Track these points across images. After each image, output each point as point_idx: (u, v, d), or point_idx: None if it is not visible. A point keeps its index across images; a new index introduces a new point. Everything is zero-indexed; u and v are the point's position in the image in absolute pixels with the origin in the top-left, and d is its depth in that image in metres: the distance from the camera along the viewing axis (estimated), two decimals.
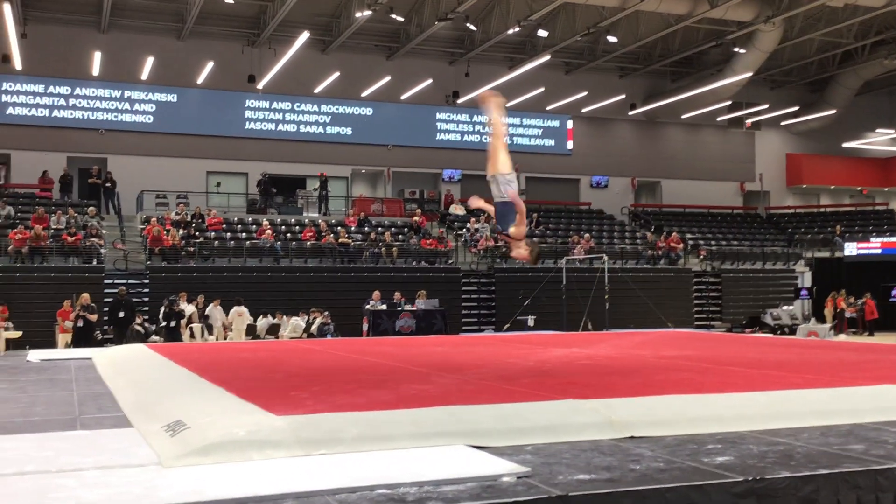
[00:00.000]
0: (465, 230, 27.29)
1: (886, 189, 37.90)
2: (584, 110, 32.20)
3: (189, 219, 24.43)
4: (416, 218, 27.31)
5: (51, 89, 26.77)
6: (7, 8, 22.08)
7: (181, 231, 23.34)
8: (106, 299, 20.06)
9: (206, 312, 20.11)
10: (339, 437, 4.71)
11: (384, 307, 21.07)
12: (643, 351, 10.52)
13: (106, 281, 21.15)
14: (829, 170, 37.07)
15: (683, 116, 33.31)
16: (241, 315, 20.12)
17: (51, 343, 18.37)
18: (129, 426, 5.73)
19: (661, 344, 11.91)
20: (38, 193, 25.78)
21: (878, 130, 36.95)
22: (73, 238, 21.70)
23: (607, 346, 11.41)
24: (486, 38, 28.42)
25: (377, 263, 24.19)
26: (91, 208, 24.08)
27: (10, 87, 26.35)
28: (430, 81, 29.26)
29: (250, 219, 26.30)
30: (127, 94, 27.48)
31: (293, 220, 26.71)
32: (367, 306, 20.95)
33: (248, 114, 28.94)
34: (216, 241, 23.81)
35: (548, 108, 31.72)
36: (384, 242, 24.95)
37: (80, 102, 27.09)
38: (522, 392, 6.14)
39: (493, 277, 25.32)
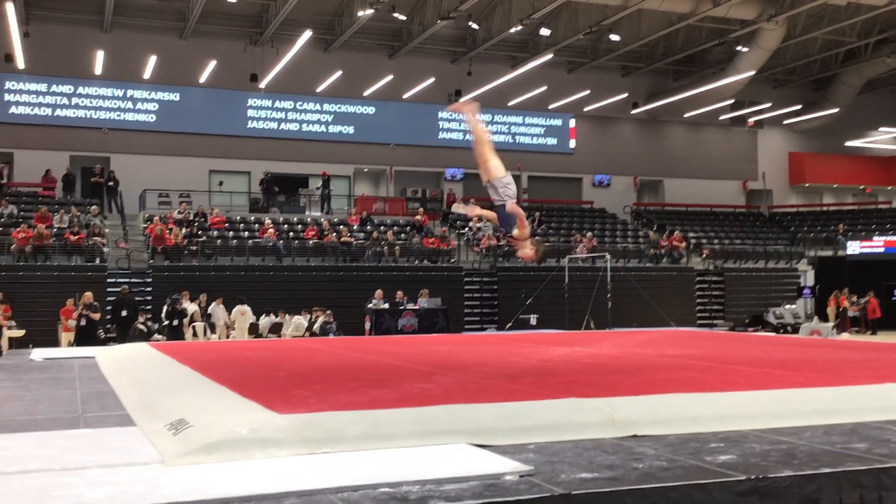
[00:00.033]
0: (467, 229, 27.29)
1: (889, 188, 37.87)
2: (586, 109, 32.18)
3: (192, 218, 24.46)
4: (418, 217, 27.31)
5: (54, 88, 26.81)
6: (10, 7, 22.11)
7: (184, 230, 23.36)
8: (109, 298, 20.08)
9: (208, 311, 20.13)
10: (342, 435, 4.71)
11: (386, 306, 21.09)
12: (646, 350, 10.50)
13: (109, 280, 21.19)
14: (831, 168, 37.03)
15: (686, 115, 33.28)
16: (243, 314, 20.15)
17: (54, 342, 18.39)
18: (132, 425, 5.73)
19: (663, 343, 11.89)
20: (41, 192, 25.82)
21: (881, 129, 36.91)
22: (76, 237, 21.73)
23: (610, 345, 11.40)
24: (488, 37, 28.41)
25: (379, 262, 24.20)
26: (94, 207, 24.10)
27: (14, 86, 26.39)
28: (432, 80, 29.26)
29: (253, 218, 26.32)
30: (130, 93, 27.51)
31: (296, 218, 26.73)
32: (370, 305, 20.96)
33: (250, 113, 28.97)
34: (219, 240, 23.83)
35: (550, 106, 31.70)
36: (386, 241, 24.96)
37: (82, 101, 27.13)
38: (525, 391, 6.14)
39: (495, 276, 25.33)
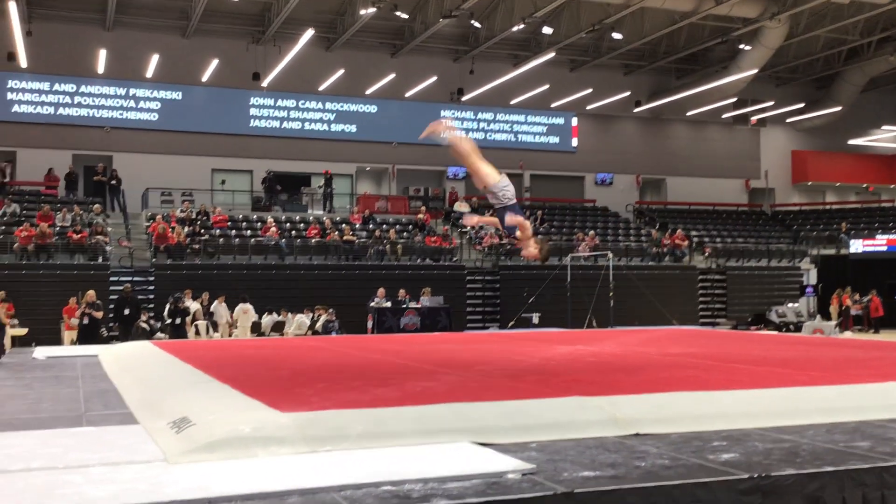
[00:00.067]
0: (469, 227, 27.27)
1: (892, 186, 37.81)
2: (588, 107, 32.16)
3: (194, 216, 24.47)
4: (420, 215, 27.30)
5: (56, 87, 26.82)
6: (12, 6, 22.11)
7: (186, 228, 23.37)
8: (111, 297, 20.11)
9: (211, 310, 20.14)
10: (345, 433, 4.71)
11: (389, 304, 21.09)
12: (648, 348, 10.50)
13: (111, 278, 21.21)
14: (834, 167, 36.99)
15: (688, 113, 33.24)
16: (246, 312, 20.15)
17: (56, 340, 18.42)
18: (135, 423, 5.75)
19: (665, 341, 11.89)
20: (44, 191, 25.83)
21: (883, 127, 36.86)
22: (79, 235, 21.75)
23: (612, 344, 11.40)
24: (490, 36, 28.39)
25: (382, 261, 24.21)
26: (96, 206, 24.13)
27: (16, 84, 26.41)
28: (434, 79, 29.25)
29: (255, 216, 26.33)
30: (132, 91, 27.53)
31: (298, 217, 26.73)
32: (372, 304, 20.96)
33: (252, 111, 28.97)
34: (221, 239, 23.84)
35: (552, 105, 31.69)
36: (389, 240, 24.96)
37: (85, 100, 27.14)
38: (527, 389, 6.14)
39: (497, 275, 25.34)
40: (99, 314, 17.93)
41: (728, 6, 25.09)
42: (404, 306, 21.03)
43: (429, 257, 25.04)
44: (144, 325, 18.74)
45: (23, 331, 18.02)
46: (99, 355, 11.13)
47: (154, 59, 26.51)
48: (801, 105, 34.62)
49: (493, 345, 11.76)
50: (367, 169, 30.95)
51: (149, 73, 27.04)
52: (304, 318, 20.50)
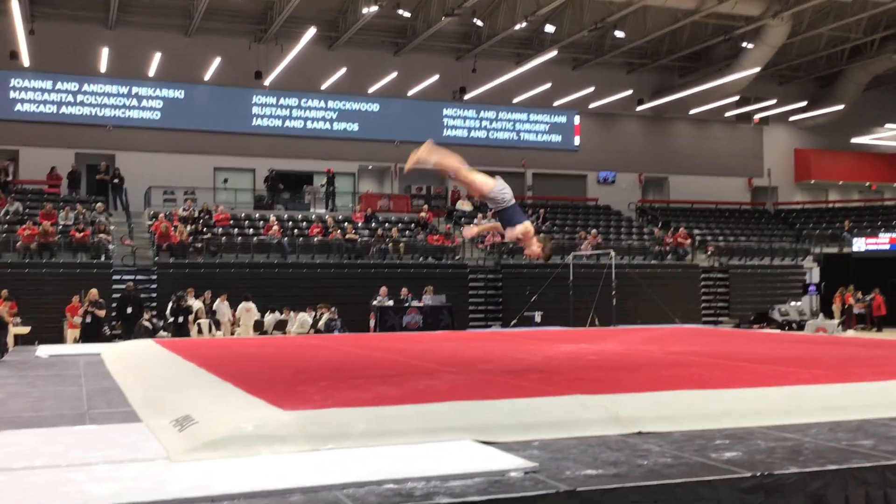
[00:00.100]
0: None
1: (895, 184, 37.74)
2: (591, 106, 32.13)
3: (196, 215, 24.50)
4: (423, 214, 27.30)
5: (58, 86, 26.84)
6: (15, 5, 22.13)
7: (189, 227, 23.40)
8: (114, 295, 20.12)
9: (213, 308, 20.16)
10: (347, 432, 4.72)
11: (391, 303, 21.10)
12: (650, 346, 10.50)
13: (114, 277, 21.24)
14: (837, 165, 36.94)
15: (691, 112, 33.21)
16: (248, 311, 20.16)
17: (59, 339, 18.46)
18: (138, 421, 5.75)
19: (668, 340, 11.89)
20: (47, 189, 25.85)
21: (886, 126, 36.78)
22: (82, 234, 21.78)
23: (614, 342, 11.40)
24: (492, 34, 28.37)
25: (384, 259, 24.22)
26: (99, 204, 24.15)
27: (18, 83, 26.43)
28: (436, 77, 29.23)
29: (257, 215, 26.34)
30: (134, 90, 27.53)
31: (300, 216, 26.75)
32: (374, 302, 20.97)
33: (255, 110, 28.97)
34: (223, 237, 23.86)
35: (555, 103, 31.66)
36: (391, 238, 24.96)
37: (87, 99, 27.16)
38: (530, 387, 6.14)
39: (500, 273, 25.33)
40: (102, 313, 17.95)
41: (730, 4, 25.05)
42: (406, 305, 21.04)
43: (431, 256, 25.04)
44: (147, 324, 18.76)
45: (26, 329, 18.05)
46: (102, 354, 11.15)
47: (156, 58, 26.52)
48: (804, 103, 34.56)
49: (495, 343, 11.76)
50: (370, 167, 30.95)
51: (151, 72, 27.05)
52: (306, 317, 20.51)
